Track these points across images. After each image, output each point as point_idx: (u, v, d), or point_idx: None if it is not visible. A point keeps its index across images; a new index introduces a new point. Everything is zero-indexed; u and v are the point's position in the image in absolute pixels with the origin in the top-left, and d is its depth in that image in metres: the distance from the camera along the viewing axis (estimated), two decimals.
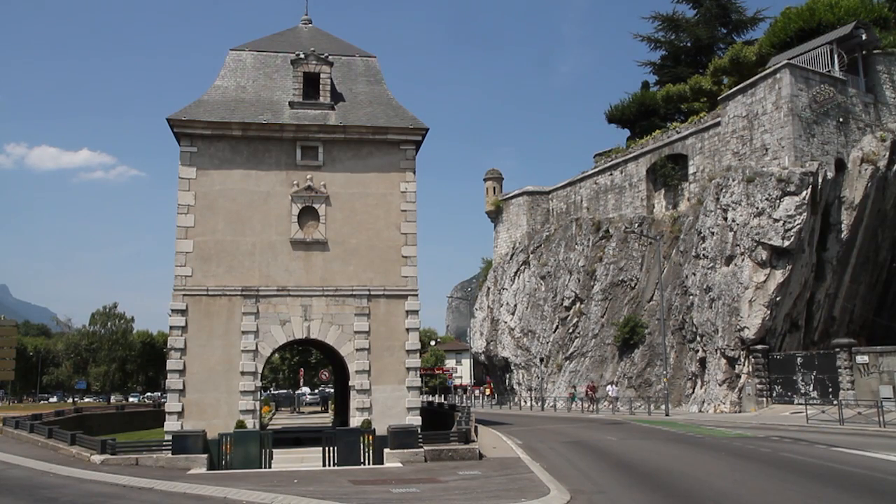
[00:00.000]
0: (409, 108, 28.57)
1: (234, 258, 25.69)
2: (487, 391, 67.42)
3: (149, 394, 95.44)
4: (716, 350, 36.79)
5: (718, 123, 41.83)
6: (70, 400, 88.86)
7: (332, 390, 54.26)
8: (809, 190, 34.91)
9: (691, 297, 39.76)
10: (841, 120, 38.24)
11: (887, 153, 38.52)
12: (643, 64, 74.04)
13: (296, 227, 26.18)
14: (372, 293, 26.15)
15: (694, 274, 39.91)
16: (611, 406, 42.15)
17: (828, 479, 14.98)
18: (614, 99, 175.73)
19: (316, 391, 76.26)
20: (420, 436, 21.49)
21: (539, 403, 50.90)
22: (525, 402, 53.98)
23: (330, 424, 31.70)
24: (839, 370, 31.98)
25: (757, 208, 35.84)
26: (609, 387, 43.17)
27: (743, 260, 35.91)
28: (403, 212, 26.90)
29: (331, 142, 26.91)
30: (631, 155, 50.21)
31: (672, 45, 60.99)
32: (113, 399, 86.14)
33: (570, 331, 51.34)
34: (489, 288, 63.17)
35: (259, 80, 28.73)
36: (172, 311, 25.06)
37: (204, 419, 23.97)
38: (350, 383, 25.68)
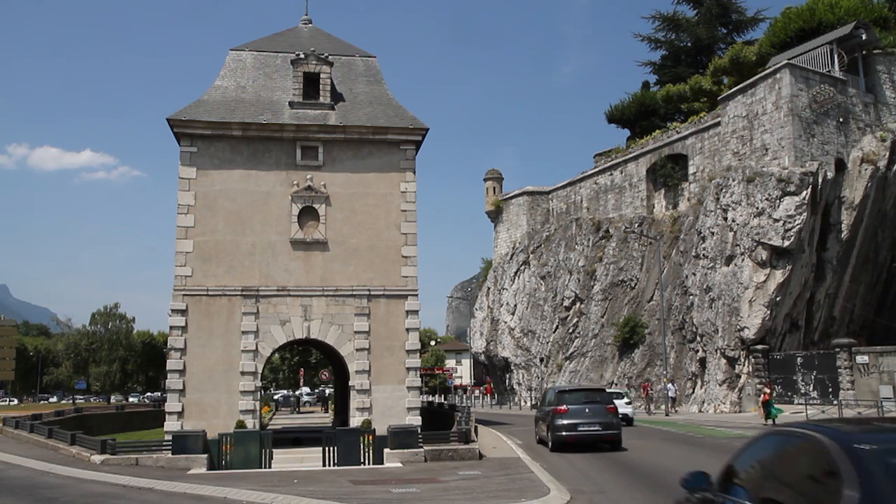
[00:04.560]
0: (409, 108, 28.59)
1: (234, 258, 25.68)
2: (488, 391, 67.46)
3: (148, 394, 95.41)
4: (716, 350, 36.78)
5: (718, 123, 41.81)
6: (70, 400, 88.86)
7: (332, 390, 54.25)
8: (809, 190, 34.91)
9: (691, 297, 39.75)
10: (841, 120, 38.22)
11: (887, 153, 38.52)
12: (643, 64, 73.91)
13: (296, 227, 26.17)
14: (372, 293, 26.14)
15: (694, 274, 39.90)
16: (666, 407, 37.40)
17: None
18: (614, 99, 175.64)
19: (316, 391, 76.31)
20: (420, 436, 21.44)
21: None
22: (525, 402, 53.97)
23: (330, 424, 31.68)
24: (839, 370, 31.95)
25: (757, 208, 35.84)
26: (669, 385, 37.96)
27: (743, 260, 35.90)
28: (403, 212, 26.90)
29: (331, 142, 26.91)
30: (631, 155, 50.20)
31: (672, 45, 60.98)
32: (113, 399, 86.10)
33: (570, 331, 51.33)
34: (489, 288, 63.17)
35: (259, 80, 28.72)
36: (172, 311, 25.06)
37: (204, 419, 23.97)
38: (350, 383, 25.69)
